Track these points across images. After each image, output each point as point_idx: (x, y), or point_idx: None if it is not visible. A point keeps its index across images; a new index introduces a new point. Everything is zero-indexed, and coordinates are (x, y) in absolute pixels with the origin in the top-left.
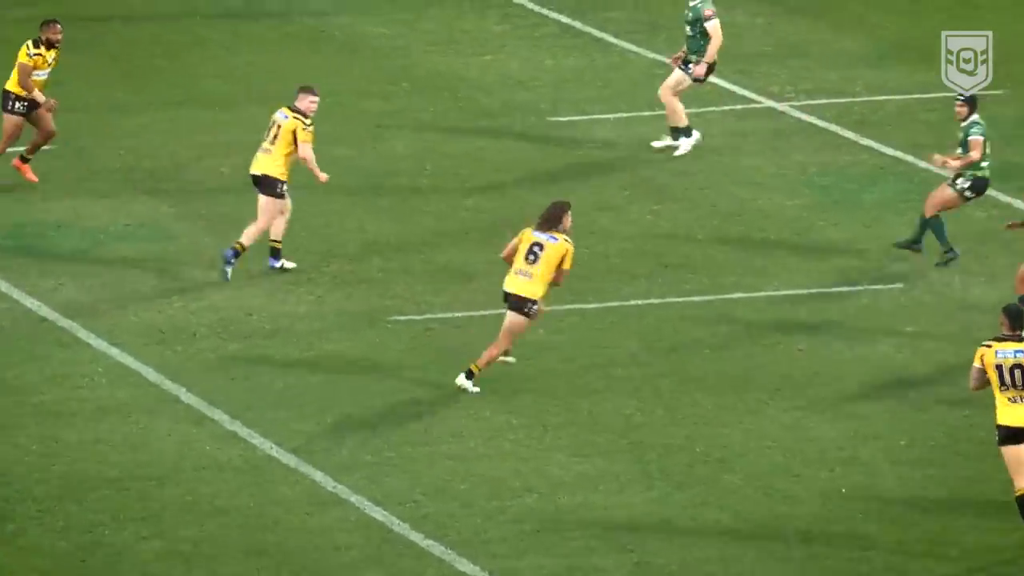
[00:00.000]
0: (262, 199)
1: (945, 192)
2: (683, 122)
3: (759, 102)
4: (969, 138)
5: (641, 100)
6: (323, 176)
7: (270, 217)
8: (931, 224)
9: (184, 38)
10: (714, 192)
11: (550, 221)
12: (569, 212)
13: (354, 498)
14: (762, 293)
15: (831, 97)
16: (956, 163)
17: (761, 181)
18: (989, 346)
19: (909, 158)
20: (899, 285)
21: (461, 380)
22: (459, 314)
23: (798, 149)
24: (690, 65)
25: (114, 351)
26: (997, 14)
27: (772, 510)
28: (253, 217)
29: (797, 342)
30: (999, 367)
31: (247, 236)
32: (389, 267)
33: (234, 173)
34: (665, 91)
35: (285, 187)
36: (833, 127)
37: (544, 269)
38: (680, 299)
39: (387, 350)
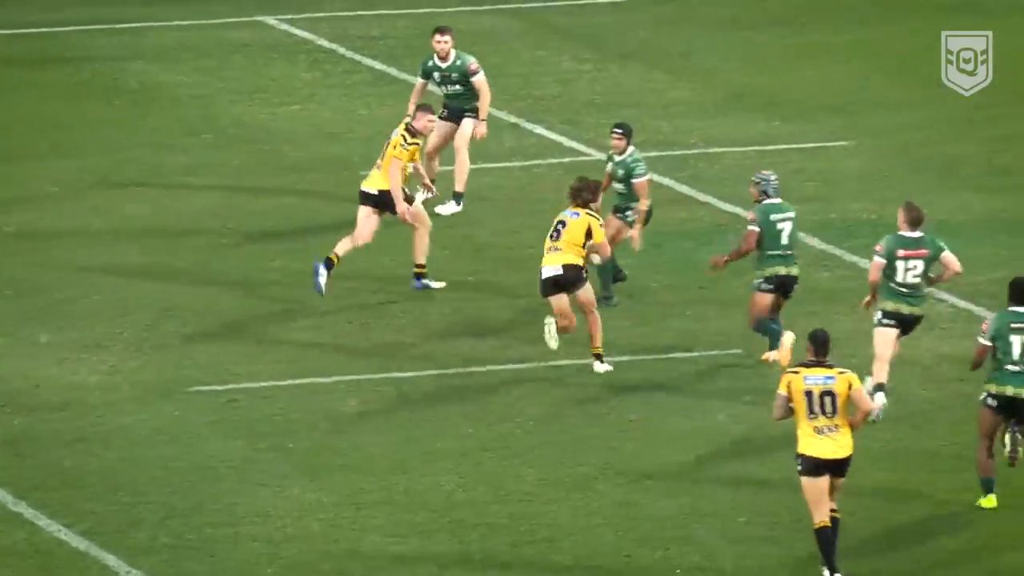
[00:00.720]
0: (364, 211)
1: (617, 224)
2: (463, 187)
3: (587, 154)
4: (634, 180)
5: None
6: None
7: (370, 231)
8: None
9: None
10: (540, 251)
11: (580, 197)
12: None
13: None
14: (591, 359)
15: (663, 150)
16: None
17: None
18: (797, 372)
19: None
20: (738, 351)
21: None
22: (266, 384)
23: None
24: (471, 114)
25: None
26: (847, 65)
27: None
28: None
29: (629, 411)
30: (808, 393)
31: (342, 247)
32: (188, 333)
33: (19, 232)
34: (465, 144)
35: (413, 196)
36: (667, 181)
37: (568, 241)
38: (503, 366)
39: (186, 423)
